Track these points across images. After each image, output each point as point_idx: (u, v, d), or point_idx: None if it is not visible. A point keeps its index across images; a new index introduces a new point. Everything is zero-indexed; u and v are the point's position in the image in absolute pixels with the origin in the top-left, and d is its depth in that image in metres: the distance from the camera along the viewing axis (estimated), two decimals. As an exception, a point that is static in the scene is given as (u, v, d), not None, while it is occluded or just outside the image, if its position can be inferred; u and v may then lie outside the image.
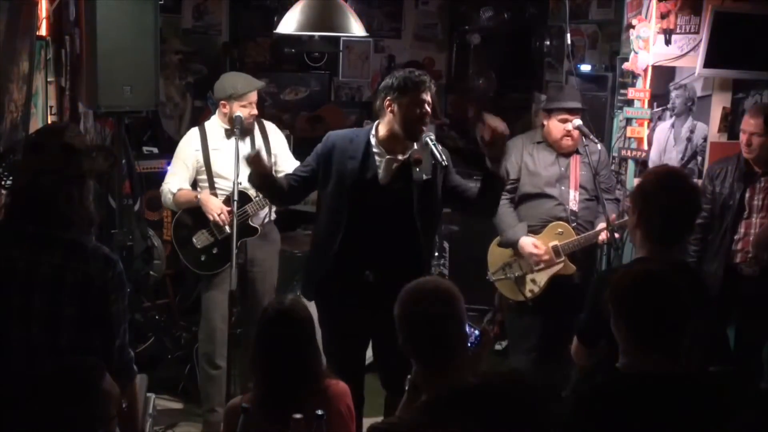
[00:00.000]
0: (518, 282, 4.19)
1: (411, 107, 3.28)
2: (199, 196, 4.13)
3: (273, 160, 4.33)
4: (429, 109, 3.32)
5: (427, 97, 3.31)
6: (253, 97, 4.19)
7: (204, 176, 4.21)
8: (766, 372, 4.30)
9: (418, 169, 3.34)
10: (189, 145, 4.24)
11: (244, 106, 4.13)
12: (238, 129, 4.04)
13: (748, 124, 4.08)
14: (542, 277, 4.14)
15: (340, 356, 3.46)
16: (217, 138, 4.19)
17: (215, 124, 4.24)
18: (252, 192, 4.23)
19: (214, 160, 4.17)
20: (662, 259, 2.70)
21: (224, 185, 4.14)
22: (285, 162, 4.41)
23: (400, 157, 3.38)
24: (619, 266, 3.00)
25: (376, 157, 3.39)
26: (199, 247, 4.21)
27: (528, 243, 4.09)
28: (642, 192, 2.85)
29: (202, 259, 4.22)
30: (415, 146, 3.37)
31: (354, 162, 3.38)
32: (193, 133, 4.28)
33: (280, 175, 4.37)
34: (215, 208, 4.08)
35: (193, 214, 4.20)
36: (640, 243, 2.83)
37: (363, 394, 3.54)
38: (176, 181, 4.21)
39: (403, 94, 3.29)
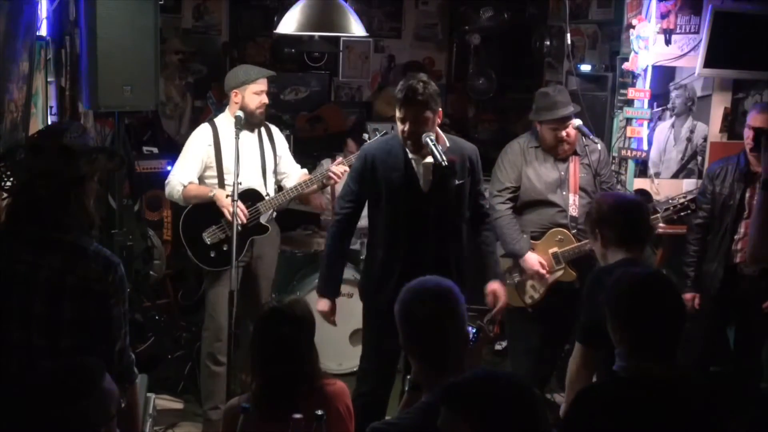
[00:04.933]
0: (518, 288, 4.15)
1: (414, 122, 3.42)
2: (213, 192, 4.09)
3: (277, 162, 4.35)
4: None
5: (429, 113, 3.44)
6: (265, 85, 4.20)
7: (213, 172, 4.19)
8: (766, 372, 4.30)
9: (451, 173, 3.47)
10: (201, 139, 4.21)
11: (256, 93, 4.15)
12: (238, 129, 4.02)
13: (756, 119, 4.04)
14: (542, 284, 4.11)
15: (384, 356, 3.58)
16: (229, 134, 4.08)
17: (226, 120, 4.20)
18: (263, 190, 4.23)
19: (226, 157, 4.14)
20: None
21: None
22: (287, 164, 4.43)
23: (430, 159, 3.42)
24: (609, 265, 2.96)
25: (413, 163, 3.49)
26: (209, 243, 4.17)
27: (534, 261, 4.04)
28: (597, 213, 3.11)
29: (212, 255, 4.19)
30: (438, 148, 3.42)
31: (399, 174, 3.48)
32: (205, 128, 4.24)
33: (282, 177, 4.42)
34: (231, 204, 4.04)
35: (204, 210, 4.15)
36: (613, 253, 3.03)
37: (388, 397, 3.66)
38: (186, 174, 4.17)
39: (407, 107, 3.42)
